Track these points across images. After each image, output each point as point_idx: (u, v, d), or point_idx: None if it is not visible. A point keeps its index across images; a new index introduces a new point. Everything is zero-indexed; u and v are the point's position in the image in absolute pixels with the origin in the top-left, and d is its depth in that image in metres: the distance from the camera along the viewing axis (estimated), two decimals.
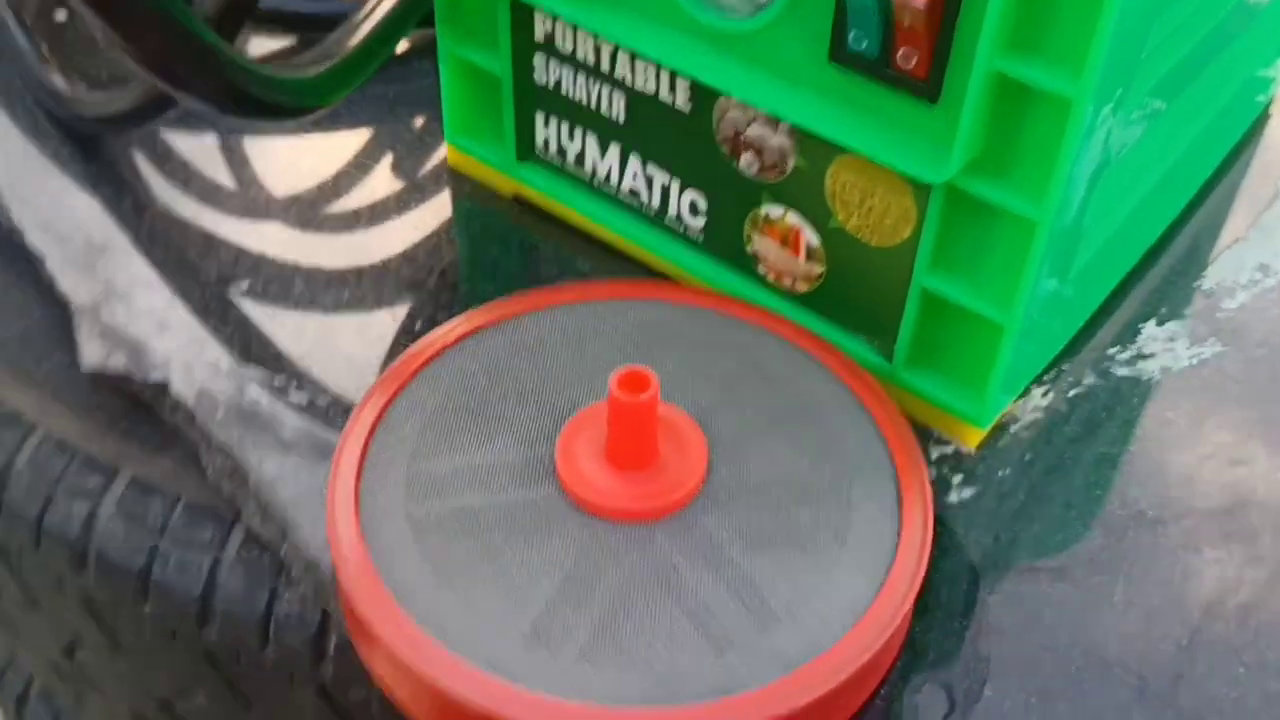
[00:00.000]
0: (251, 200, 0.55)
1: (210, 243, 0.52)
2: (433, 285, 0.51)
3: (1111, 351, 0.48)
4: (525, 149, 0.53)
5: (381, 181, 0.56)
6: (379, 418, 0.40)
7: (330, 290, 0.50)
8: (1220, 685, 0.37)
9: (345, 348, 0.48)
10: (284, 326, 0.49)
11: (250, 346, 0.48)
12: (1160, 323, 0.49)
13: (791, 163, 0.43)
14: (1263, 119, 0.59)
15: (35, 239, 0.52)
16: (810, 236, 0.45)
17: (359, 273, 0.51)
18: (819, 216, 0.44)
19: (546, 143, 0.52)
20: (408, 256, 0.52)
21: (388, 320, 0.49)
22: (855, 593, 0.36)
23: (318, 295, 0.50)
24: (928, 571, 0.40)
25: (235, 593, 0.45)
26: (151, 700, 0.50)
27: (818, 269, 0.45)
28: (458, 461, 0.39)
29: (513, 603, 0.35)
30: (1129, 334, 0.48)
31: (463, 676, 0.34)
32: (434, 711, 0.36)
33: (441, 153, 0.57)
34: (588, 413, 0.40)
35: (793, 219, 0.45)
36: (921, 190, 0.40)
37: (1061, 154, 0.36)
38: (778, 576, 0.36)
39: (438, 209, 0.54)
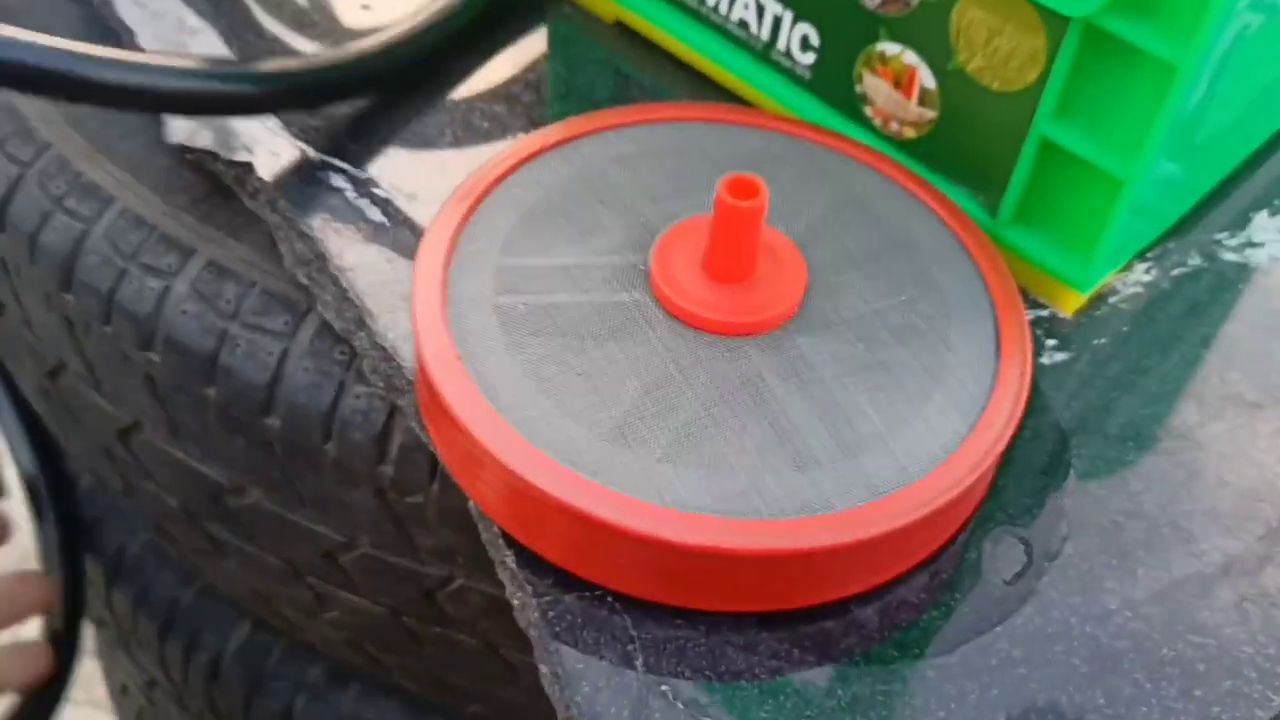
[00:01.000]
0: (346, 8, 0.53)
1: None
2: (527, 100, 0.49)
3: (1220, 236, 0.46)
4: None
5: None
6: (470, 211, 0.39)
7: (420, 94, 0.49)
8: None
9: (433, 151, 0.47)
10: (372, 124, 0.47)
11: (338, 139, 0.46)
12: (1273, 213, 0.47)
13: None
14: None
15: (126, 12, 0.50)
16: (926, 78, 0.43)
17: (451, 82, 0.50)
18: (938, 56, 0.42)
19: None
20: (502, 72, 0.50)
21: (478, 130, 0.48)
22: (947, 430, 0.35)
23: (408, 96, 0.49)
24: (1020, 422, 0.39)
25: (302, 384, 0.44)
26: (203, 493, 0.50)
27: (929, 114, 0.44)
28: (550, 260, 0.38)
29: (598, 401, 0.34)
30: (1240, 221, 0.47)
31: (540, 467, 0.33)
32: (508, 501, 0.35)
33: None
34: (686, 224, 0.38)
35: (910, 58, 0.43)
36: (1056, 28, 0.38)
37: None
38: (869, 405, 0.35)
39: (537, 30, 0.53)
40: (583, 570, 0.35)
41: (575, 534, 0.34)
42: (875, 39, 0.44)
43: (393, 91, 0.48)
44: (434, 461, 0.43)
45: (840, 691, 0.33)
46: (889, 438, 0.34)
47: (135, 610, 0.64)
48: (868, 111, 0.46)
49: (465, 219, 0.39)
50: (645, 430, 0.34)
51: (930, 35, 0.42)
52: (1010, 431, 0.35)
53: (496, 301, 0.37)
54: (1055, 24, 0.38)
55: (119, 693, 0.81)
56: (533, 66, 0.51)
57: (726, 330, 0.36)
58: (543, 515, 0.34)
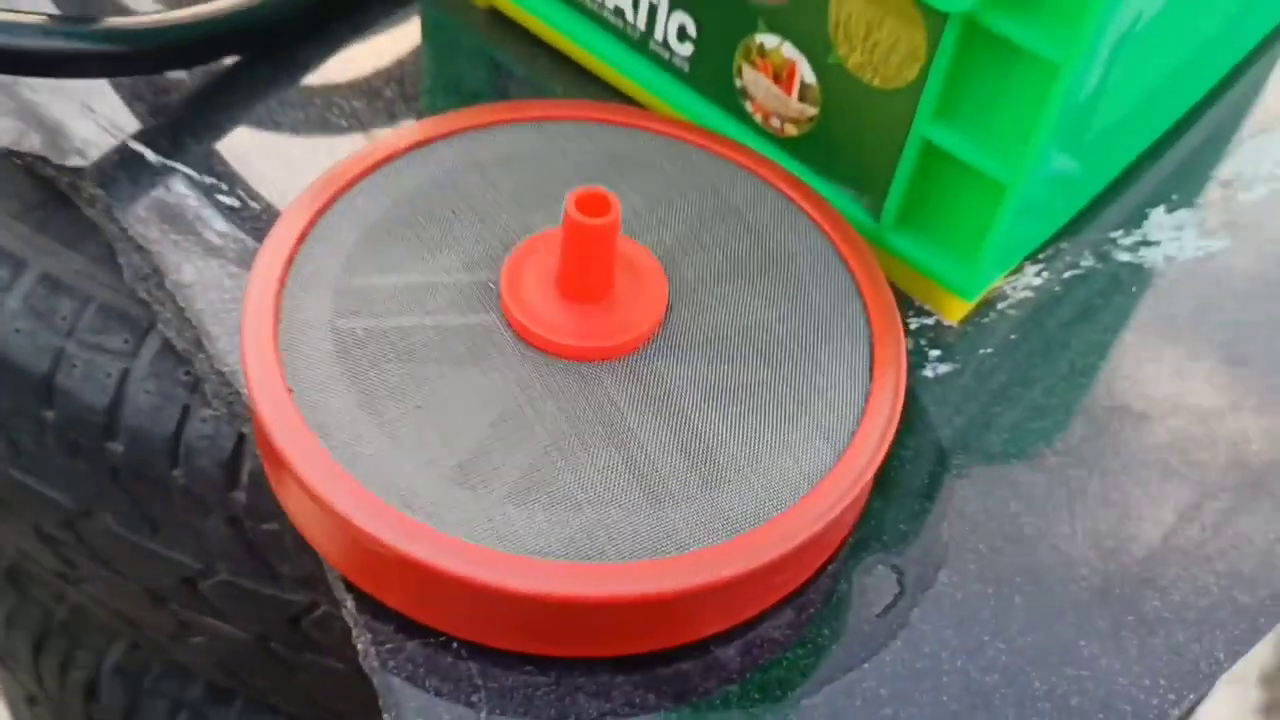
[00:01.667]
0: None
1: None
2: (389, 95, 0.46)
3: (1115, 235, 0.44)
4: None
5: None
6: (311, 223, 0.36)
7: (274, 89, 0.46)
8: (1188, 593, 0.35)
9: (285, 152, 0.44)
10: (218, 123, 0.44)
11: (181, 141, 0.43)
12: (1170, 210, 0.45)
13: None
14: None
15: None
16: (806, 72, 0.40)
17: (308, 74, 0.47)
18: (818, 50, 0.40)
19: None
20: (365, 63, 0.47)
21: (336, 127, 0.45)
22: (811, 459, 0.33)
23: (258, 90, 0.45)
24: (891, 447, 0.37)
25: (145, 407, 0.41)
26: (55, 518, 0.47)
27: (810, 110, 0.41)
28: (395, 278, 0.35)
29: (438, 437, 0.32)
30: (1136, 218, 0.45)
31: (371, 511, 0.30)
32: (342, 547, 0.33)
33: None
34: (541, 238, 0.36)
35: (789, 51, 0.41)
36: (935, 23, 0.36)
37: None
38: (730, 434, 0.33)
39: (405, 16, 0.50)
40: (423, 617, 0.32)
41: (412, 581, 0.31)
42: (754, 30, 0.41)
43: (248, 54, 0.45)
44: None
45: None
46: (749, 469, 0.32)
47: (8, 629, 0.61)
48: (748, 107, 0.43)
49: (305, 233, 0.36)
50: (489, 468, 0.32)
51: (809, 27, 0.40)
52: (878, 461, 0.33)
53: (334, 325, 0.34)
54: (935, 19, 0.36)
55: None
56: (397, 57, 0.48)
57: (580, 355, 0.34)
58: (378, 562, 0.32)
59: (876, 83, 0.39)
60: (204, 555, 0.44)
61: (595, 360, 0.34)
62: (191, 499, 0.42)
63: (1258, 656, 1.22)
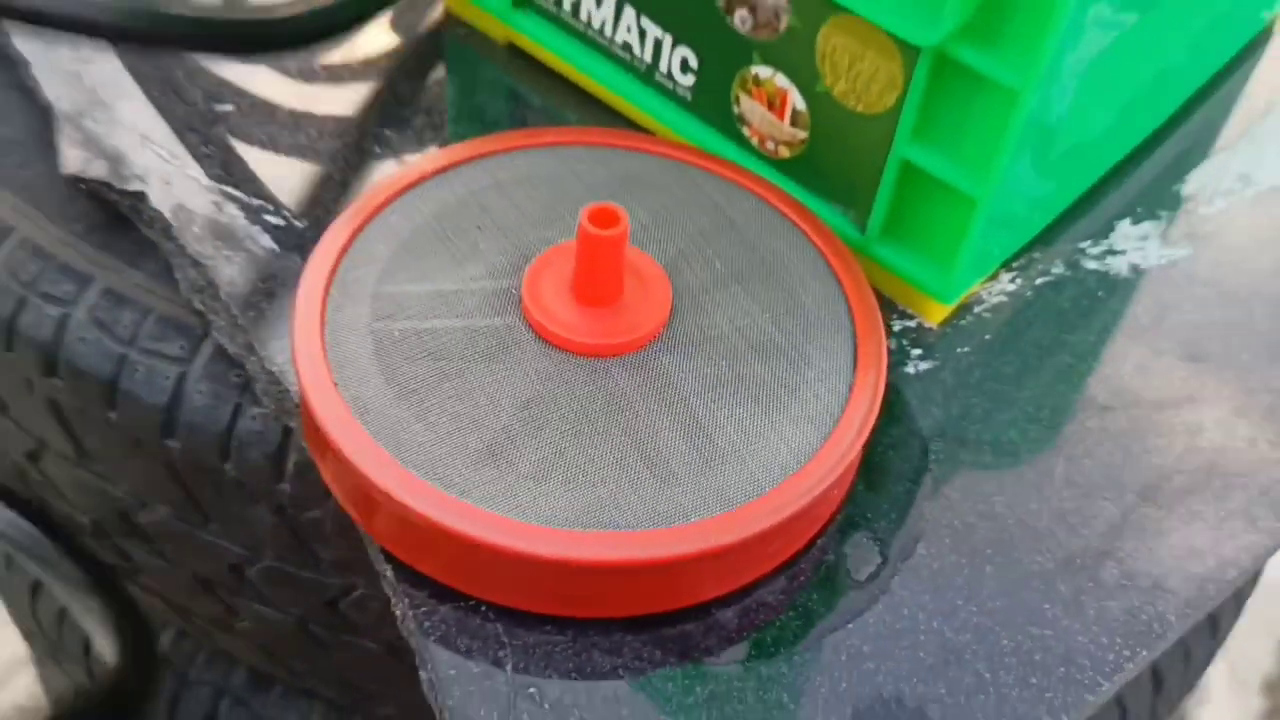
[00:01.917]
0: None
1: (198, 70, 0.52)
2: (418, 124, 0.51)
3: (1084, 245, 0.48)
4: None
5: (378, 24, 0.55)
6: (351, 239, 0.41)
7: (314, 122, 0.50)
8: (1144, 563, 0.39)
9: (325, 176, 0.48)
10: (264, 152, 0.49)
11: (230, 167, 0.48)
12: (1135, 221, 0.49)
13: (785, 21, 0.43)
14: (1265, 35, 0.58)
15: (20, 44, 0.51)
16: (797, 100, 0.45)
17: (346, 107, 0.51)
18: (807, 80, 0.44)
19: None
20: (396, 95, 0.52)
21: (370, 154, 0.49)
22: (800, 442, 0.37)
23: (301, 123, 0.50)
24: (875, 433, 0.41)
25: (200, 406, 0.45)
26: (112, 510, 0.52)
27: (801, 134, 0.45)
28: (425, 286, 0.40)
29: (468, 423, 0.36)
30: (1103, 230, 0.49)
31: (411, 488, 0.35)
32: (383, 521, 0.37)
33: None
34: (558, 250, 0.40)
35: (781, 81, 0.45)
36: (910, 55, 0.40)
37: (1049, 25, 0.36)
38: (727, 420, 0.37)
39: (431, 52, 0.54)
40: (455, 583, 0.36)
41: (446, 550, 0.35)
42: (749, 62, 0.46)
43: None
44: None
45: (698, 689, 0.35)
46: (745, 451, 0.36)
47: (59, 623, 0.65)
48: (745, 132, 0.47)
49: (346, 247, 0.40)
50: (514, 450, 0.36)
51: (799, 59, 0.44)
52: (860, 444, 0.37)
53: (373, 327, 0.38)
54: (909, 51, 0.40)
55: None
56: (423, 90, 0.52)
57: (593, 352, 0.38)
58: (415, 533, 0.36)
59: (860, 109, 0.43)
60: (251, 543, 0.49)
61: (606, 356, 0.38)
62: (241, 490, 0.46)
63: (1260, 664, 1.24)
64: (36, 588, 0.66)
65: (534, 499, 0.35)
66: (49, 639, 0.68)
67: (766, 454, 0.36)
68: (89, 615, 0.60)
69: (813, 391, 0.38)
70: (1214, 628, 0.68)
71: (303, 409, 0.38)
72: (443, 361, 0.38)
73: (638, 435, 0.36)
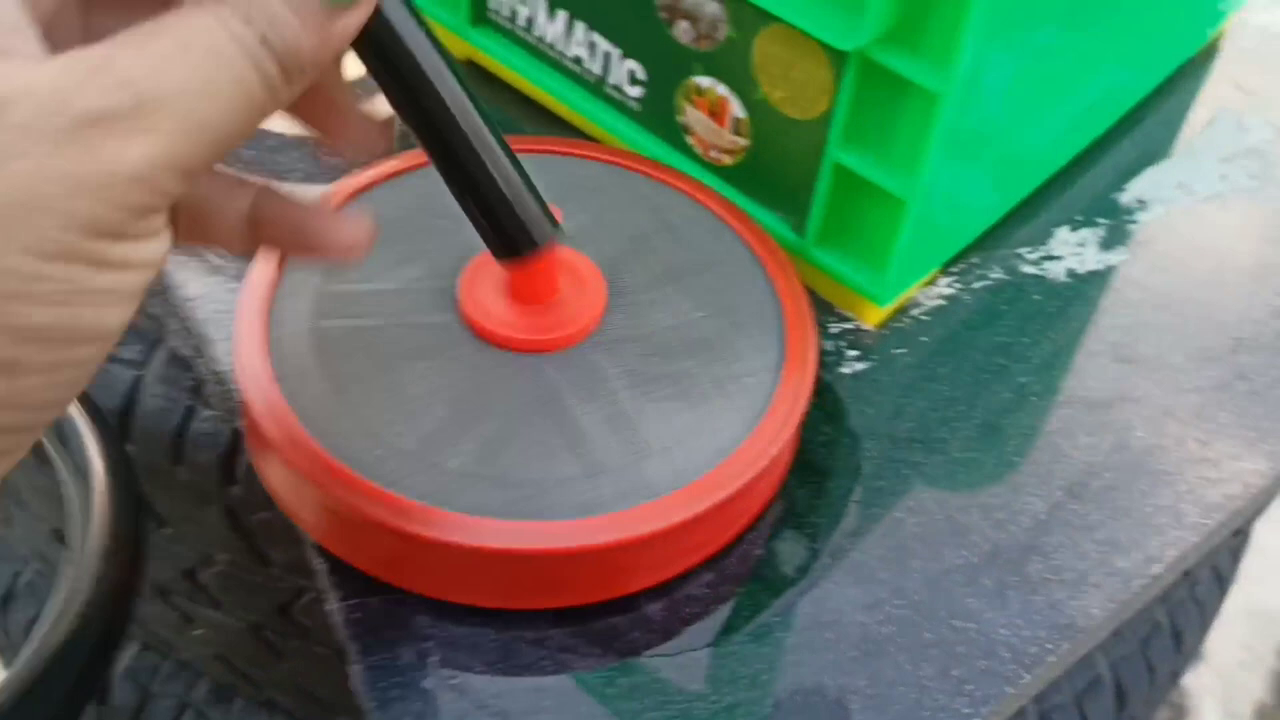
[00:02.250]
0: None
1: None
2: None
3: (1022, 250, 0.49)
4: (479, 12, 0.54)
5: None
6: None
7: (269, 134, 0.51)
8: (1069, 557, 0.39)
9: (282, 184, 0.49)
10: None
11: None
12: (1074, 228, 0.50)
13: (723, 32, 0.44)
14: (1209, 51, 0.59)
15: None
16: (737, 108, 0.46)
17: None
18: (746, 88, 0.45)
19: (499, 6, 0.53)
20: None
21: (327, 163, 0.50)
22: (726, 436, 0.38)
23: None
24: (809, 432, 0.41)
25: (153, 410, 0.46)
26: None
27: (742, 142, 0.46)
28: (369, 285, 0.40)
29: (402, 416, 0.37)
30: (1041, 236, 0.50)
31: (341, 481, 0.35)
32: (314, 514, 0.37)
33: None
34: None
35: (722, 90, 0.46)
36: (838, 61, 0.41)
37: (963, 30, 0.37)
38: (656, 415, 0.38)
39: None
40: (386, 576, 0.37)
41: (375, 543, 0.36)
42: (691, 73, 0.47)
43: None
44: None
45: (621, 680, 0.36)
46: (672, 444, 0.37)
47: (27, 633, 0.65)
48: (690, 141, 0.48)
49: None
50: (445, 442, 0.36)
51: (737, 68, 0.45)
52: (785, 437, 0.38)
53: (315, 325, 0.39)
54: (837, 57, 0.41)
55: None
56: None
57: (526, 347, 0.39)
58: (344, 526, 0.36)
59: (795, 115, 0.44)
60: (204, 546, 0.49)
61: (539, 352, 0.39)
62: (193, 493, 0.47)
63: (1253, 693, 1.24)
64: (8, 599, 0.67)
65: (462, 491, 0.35)
66: (15, 648, 0.68)
67: (692, 447, 0.37)
68: None
69: (740, 386, 0.39)
70: (1178, 641, 0.68)
71: (242, 404, 0.39)
72: (380, 358, 0.38)
73: (567, 429, 0.37)
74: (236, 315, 0.39)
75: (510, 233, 0.35)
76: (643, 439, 0.37)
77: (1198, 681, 1.23)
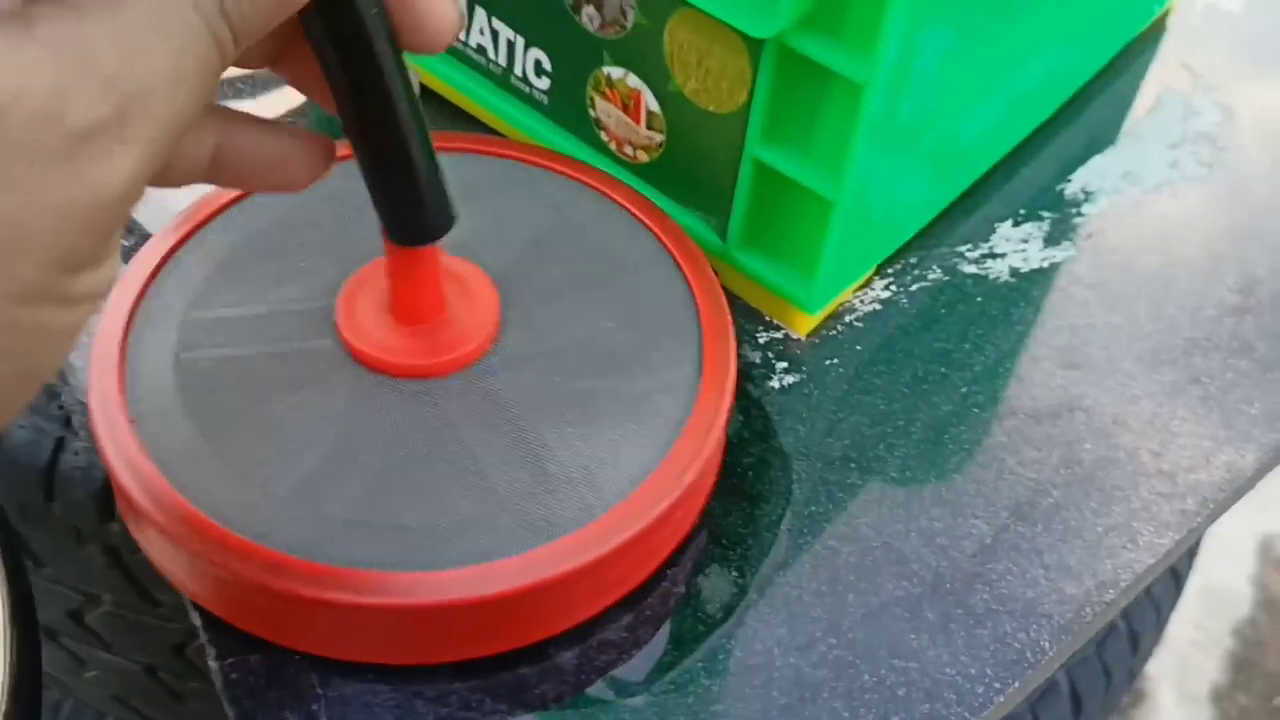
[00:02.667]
0: None
1: None
2: None
3: (962, 249, 0.46)
4: None
5: None
6: (163, 262, 0.38)
7: None
8: (1017, 585, 0.36)
9: (165, 196, 0.45)
10: None
11: None
12: (1016, 223, 0.47)
13: (631, 18, 0.41)
14: (1155, 30, 0.57)
15: None
16: (650, 101, 0.42)
17: None
18: (658, 79, 0.41)
19: None
20: (255, 110, 0.49)
21: None
22: (638, 462, 0.34)
23: None
24: (734, 452, 0.38)
25: (21, 442, 0.42)
26: None
27: (658, 137, 0.43)
28: (238, 310, 0.37)
29: (275, 457, 0.33)
30: (983, 232, 0.47)
31: (203, 533, 0.31)
32: (180, 566, 0.34)
33: None
34: (377, 264, 0.37)
35: (633, 81, 0.42)
36: (755, 50, 0.38)
37: (889, 10, 0.34)
38: (558, 442, 0.34)
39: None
40: (270, 635, 0.33)
41: (251, 601, 0.32)
42: (600, 63, 0.43)
43: None
44: None
45: None
46: (577, 475, 0.34)
47: None
48: (603, 136, 0.45)
49: (156, 271, 0.37)
50: (324, 485, 0.33)
51: (648, 58, 0.41)
52: (701, 462, 0.34)
53: (179, 357, 0.35)
54: (754, 45, 0.38)
55: None
56: (289, 105, 0.49)
57: (412, 373, 0.35)
58: (213, 580, 0.33)
59: (712, 108, 0.40)
60: (87, 586, 0.45)
61: (427, 377, 0.35)
62: (70, 531, 0.43)
63: (1208, 674, 1.23)
64: None
65: (344, 540, 0.32)
66: None
67: (600, 477, 0.34)
68: None
69: (652, 406, 0.35)
70: (1134, 644, 0.66)
71: (98, 451, 0.35)
72: (249, 392, 0.35)
73: (460, 464, 0.34)
74: (90, 351, 0.35)
75: (425, 210, 0.31)
76: (545, 470, 0.34)
77: (1153, 664, 1.22)
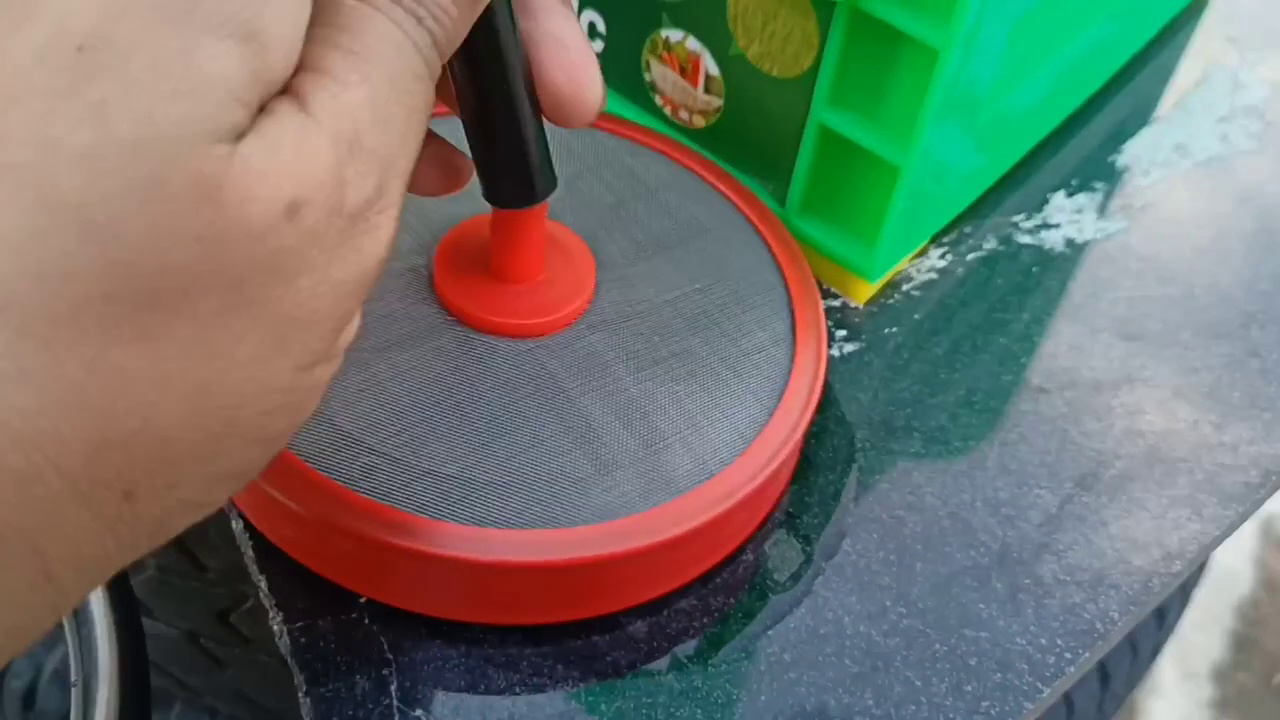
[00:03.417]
0: None
1: None
2: None
3: (1016, 219, 0.46)
4: None
5: None
6: None
7: None
8: (1084, 556, 0.36)
9: None
10: None
11: None
12: (1070, 194, 0.47)
13: None
14: (1198, 3, 0.56)
15: None
16: (710, 65, 0.42)
17: None
18: (720, 42, 0.41)
19: None
20: None
21: None
22: (746, 419, 0.34)
23: None
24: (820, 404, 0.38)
25: None
26: None
27: (716, 102, 0.42)
28: None
29: (383, 417, 0.32)
30: (1036, 203, 0.46)
31: (331, 499, 0.31)
32: (296, 533, 0.33)
33: None
34: (469, 224, 0.36)
35: (692, 45, 0.42)
36: (825, 11, 0.37)
37: None
38: (667, 400, 0.34)
39: None
40: (365, 588, 0.33)
41: (368, 559, 0.32)
42: (658, 25, 0.42)
43: None
44: None
45: (604, 706, 0.32)
46: (689, 431, 0.33)
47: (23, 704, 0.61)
48: (658, 100, 0.44)
49: None
50: (438, 448, 0.32)
51: (710, 20, 0.41)
52: (806, 419, 0.34)
53: None
54: (825, 8, 0.37)
55: None
56: None
57: (515, 333, 0.34)
58: (332, 544, 0.32)
59: (775, 72, 0.40)
60: None
61: (530, 336, 0.35)
62: None
63: (1209, 652, 1.24)
64: None
65: (467, 500, 0.31)
66: None
67: (712, 434, 0.33)
68: None
69: (752, 364, 0.35)
70: (1160, 619, 0.66)
71: None
72: (353, 352, 0.34)
73: (571, 423, 0.33)
74: None
75: (535, 173, 0.31)
76: (656, 428, 0.33)
77: None
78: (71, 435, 0.18)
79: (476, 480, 0.32)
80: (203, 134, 0.18)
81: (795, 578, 0.35)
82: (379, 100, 0.21)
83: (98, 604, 0.36)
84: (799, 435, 0.34)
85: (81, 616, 0.36)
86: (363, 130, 0.20)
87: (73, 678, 0.36)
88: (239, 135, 0.19)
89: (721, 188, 0.40)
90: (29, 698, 0.59)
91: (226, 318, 0.19)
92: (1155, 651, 0.67)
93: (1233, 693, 1.20)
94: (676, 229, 0.39)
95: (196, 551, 0.43)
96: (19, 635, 0.19)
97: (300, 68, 0.20)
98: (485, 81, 0.28)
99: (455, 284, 0.35)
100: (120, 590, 0.37)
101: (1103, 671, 0.62)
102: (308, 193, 0.19)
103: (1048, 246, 0.45)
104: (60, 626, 0.37)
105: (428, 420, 0.32)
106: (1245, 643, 1.24)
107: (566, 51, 0.28)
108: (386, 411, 0.33)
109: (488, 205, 0.34)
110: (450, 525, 0.31)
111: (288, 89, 0.20)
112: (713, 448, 0.33)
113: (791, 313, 0.37)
